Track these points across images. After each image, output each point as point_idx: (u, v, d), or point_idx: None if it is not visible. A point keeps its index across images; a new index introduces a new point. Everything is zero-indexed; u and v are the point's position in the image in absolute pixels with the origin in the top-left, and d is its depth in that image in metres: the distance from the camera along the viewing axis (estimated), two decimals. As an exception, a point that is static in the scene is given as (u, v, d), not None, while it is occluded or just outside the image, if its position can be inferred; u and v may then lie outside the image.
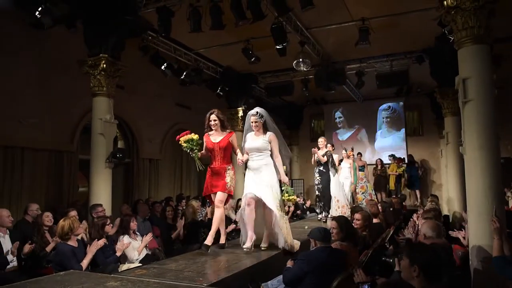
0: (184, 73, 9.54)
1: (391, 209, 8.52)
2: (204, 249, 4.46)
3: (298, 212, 10.89)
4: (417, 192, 12.93)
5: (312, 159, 8.01)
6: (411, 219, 6.52)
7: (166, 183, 11.46)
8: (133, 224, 5.31)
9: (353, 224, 5.32)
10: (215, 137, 4.77)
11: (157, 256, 5.33)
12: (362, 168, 11.14)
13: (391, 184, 12.95)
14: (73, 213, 5.51)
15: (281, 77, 11.66)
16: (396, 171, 12.98)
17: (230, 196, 4.89)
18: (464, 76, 4.91)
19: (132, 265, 4.58)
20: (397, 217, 8.31)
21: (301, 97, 13.52)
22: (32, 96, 7.72)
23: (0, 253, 4.57)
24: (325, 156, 7.85)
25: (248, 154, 4.87)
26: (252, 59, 8.89)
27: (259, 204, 4.71)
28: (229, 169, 4.73)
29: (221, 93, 10.97)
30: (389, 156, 13.60)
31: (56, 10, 6.26)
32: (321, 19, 8.21)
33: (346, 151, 10.06)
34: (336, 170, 8.31)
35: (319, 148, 7.92)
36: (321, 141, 8.05)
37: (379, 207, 6.77)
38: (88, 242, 5.00)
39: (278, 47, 7.87)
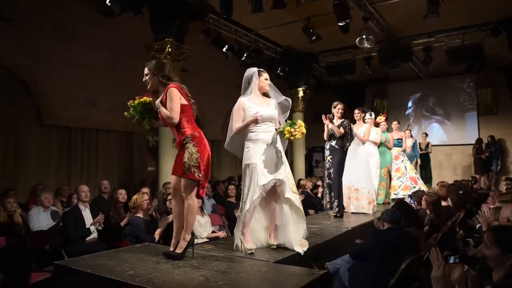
0: (245, 55, 9.60)
1: (460, 192, 8.09)
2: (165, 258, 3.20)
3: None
4: (491, 174, 12.11)
5: (325, 132, 5.68)
6: (484, 204, 6.12)
7: (228, 163, 11.77)
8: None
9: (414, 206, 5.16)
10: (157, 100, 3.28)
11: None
12: (398, 142, 8.04)
13: None
14: (145, 189, 5.87)
15: (343, 55, 11.34)
16: None
17: (193, 181, 3.14)
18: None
19: (200, 241, 4.80)
20: (468, 200, 7.87)
21: (363, 75, 13.08)
22: (105, 81, 8.26)
23: (82, 225, 5.00)
24: (341, 128, 5.53)
25: (256, 124, 3.55)
26: (313, 38, 8.75)
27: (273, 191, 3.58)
28: (187, 141, 3.18)
29: (281, 74, 10.92)
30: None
31: (124, -3, 6.58)
32: (386, -8, 7.86)
33: (371, 115, 6.77)
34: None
35: (333, 116, 5.58)
36: (339, 107, 5.63)
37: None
38: (157, 218, 5.35)
39: (340, 24, 7.66)
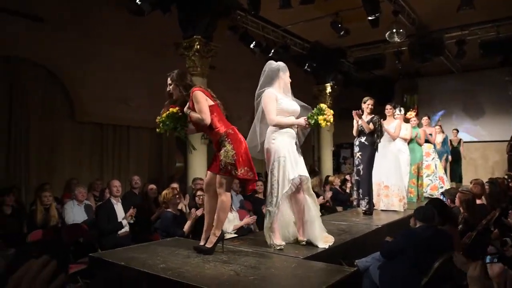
0: (272, 51, 9.57)
1: (496, 189, 7.80)
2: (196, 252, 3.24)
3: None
4: None
5: (354, 127, 5.64)
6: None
7: (255, 158, 11.79)
8: None
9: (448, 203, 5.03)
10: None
11: (250, 228, 5.58)
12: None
13: None
14: (174, 185, 5.98)
15: (372, 50, 11.14)
16: None
17: (229, 178, 3.18)
18: None
19: (229, 236, 4.84)
20: (503, 198, 7.59)
21: (392, 70, 12.79)
22: (135, 79, 8.44)
23: (114, 218, 5.14)
24: (370, 124, 5.50)
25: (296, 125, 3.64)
26: (341, 33, 8.62)
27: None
28: (223, 140, 3.20)
29: (309, 69, 10.84)
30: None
31: (154, -5, 6.68)
32: (417, -16, 7.66)
33: (400, 111, 6.55)
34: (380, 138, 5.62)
35: (362, 112, 5.58)
36: (369, 103, 5.61)
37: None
38: (186, 213, 5.45)
39: (370, 18, 7.52)
